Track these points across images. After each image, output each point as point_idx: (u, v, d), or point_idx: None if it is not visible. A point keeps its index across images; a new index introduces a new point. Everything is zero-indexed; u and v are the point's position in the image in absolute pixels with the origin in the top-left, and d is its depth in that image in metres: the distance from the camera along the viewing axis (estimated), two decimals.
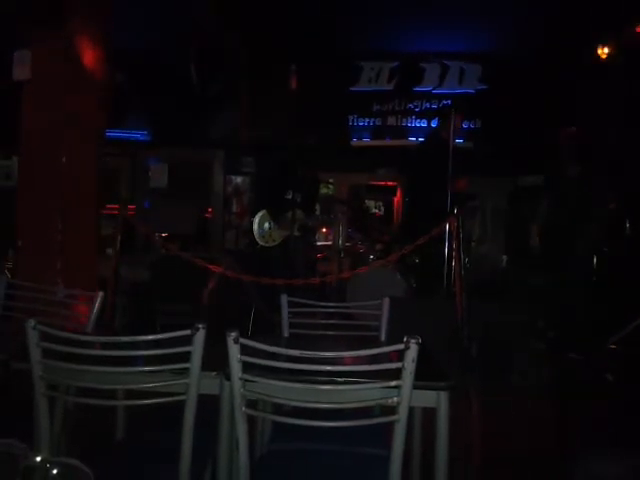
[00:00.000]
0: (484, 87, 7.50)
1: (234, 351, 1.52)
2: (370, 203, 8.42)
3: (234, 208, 7.82)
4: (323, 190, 4.93)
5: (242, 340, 1.51)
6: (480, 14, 6.16)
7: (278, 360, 1.54)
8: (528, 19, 6.12)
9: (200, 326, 1.60)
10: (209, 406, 1.74)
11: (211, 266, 3.78)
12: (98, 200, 3.65)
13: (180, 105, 7.24)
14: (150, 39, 6.54)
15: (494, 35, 6.77)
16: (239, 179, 7.99)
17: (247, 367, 1.55)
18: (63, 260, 3.32)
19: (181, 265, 3.82)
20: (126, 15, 4.56)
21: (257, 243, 4.72)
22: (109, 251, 4.40)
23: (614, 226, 5.60)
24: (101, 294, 2.38)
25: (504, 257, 7.02)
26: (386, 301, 2.56)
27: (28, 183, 3.53)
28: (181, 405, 1.68)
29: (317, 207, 5.38)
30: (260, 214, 4.78)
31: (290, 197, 4.84)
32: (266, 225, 4.75)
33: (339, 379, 1.54)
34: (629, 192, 5.73)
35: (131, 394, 1.77)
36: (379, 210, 8.09)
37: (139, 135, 7.57)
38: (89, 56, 3.60)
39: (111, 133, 5.85)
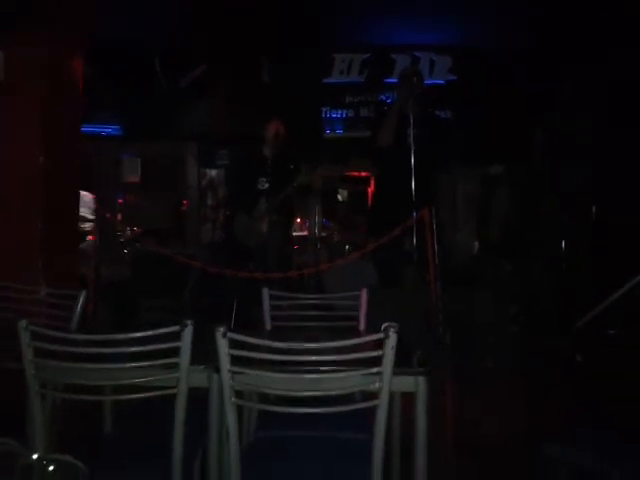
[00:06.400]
0: (454, 78, 7.63)
1: (223, 345, 1.58)
2: (343, 193, 8.52)
3: (209, 201, 7.82)
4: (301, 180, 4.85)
5: (230, 334, 1.58)
6: (450, 6, 6.26)
7: (262, 352, 1.61)
8: (498, 11, 6.24)
9: (188, 322, 1.66)
10: (191, 398, 1.80)
11: (191, 261, 3.82)
12: (77, 197, 3.64)
13: (152, 98, 7.19)
14: (120, 31, 6.46)
15: (464, 27, 6.88)
16: (214, 172, 7.99)
17: (235, 359, 1.61)
18: (44, 259, 3.32)
19: (161, 261, 3.84)
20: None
21: (246, 243, 4.70)
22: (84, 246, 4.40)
23: (582, 212, 5.80)
24: (84, 292, 2.40)
25: (476, 244, 7.21)
26: (364, 292, 2.66)
27: (7, 183, 3.50)
28: (168, 398, 1.74)
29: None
30: (237, 219, 4.78)
31: (264, 187, 4.84)
32: (245, 222, 4.74)
33: (323, 368, 1.62)
34: (597, 180, 5.94)
35: (120, 389, 1.81)
36: (349, 199, 8.21)
37: (111, 129, 7.49)
38: (67, 54, 3.57)
39: (82, 128, 5.78)
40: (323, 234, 7.47)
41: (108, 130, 7.45)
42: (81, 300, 2.39)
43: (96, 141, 6.99)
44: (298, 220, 7.44)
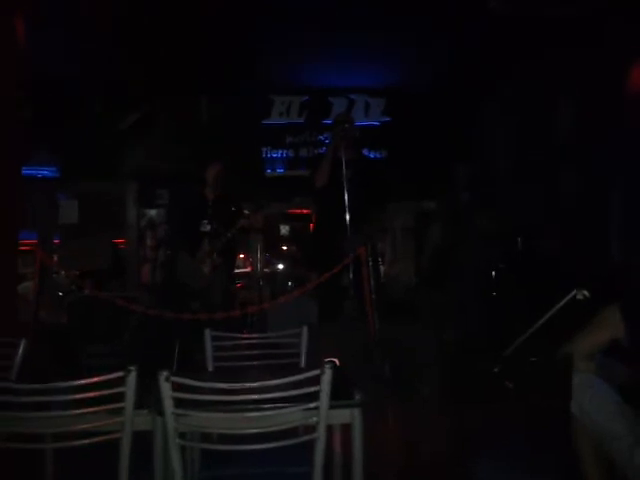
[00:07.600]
0: (387, 119, 8.03)
1: (166, 389, 1.65)
2: (286, 229, 8.67)
3: (149, 241, 7.75)
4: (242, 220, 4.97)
5: (173, 378, 1.65)
6: (383, 52, 6.66)
7: (205, 393, 1.69)
8: (429, 56, 6.68)
9: (132, 368, 1.72)
10: (134, 440, 1.83)
11: (131, 304, 3.81)
12: (17, 240, 3.56)
13: (90, 138, 7.14)
14: (58, 69, 6.43)
15: (396, 71, 7.31)
16: (153, 212, 7.95)
17: (178, 402, 1.68)
18: None
19: (100, 305, 3.81)
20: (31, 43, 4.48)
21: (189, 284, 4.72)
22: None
23: (509, 244, 6.16)
24: (24, 341, 2.39)
25: (414, 277, 7.47)
26: (305, 329, 2.76)
27: None
28: (112, 443, 1.78)
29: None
30: (179, 260, 4.81)
31: (206, 229, 4.91)
32: (188, 263, 4.77)
33: (265, 406, 1.71)
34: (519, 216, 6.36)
35: (62, 436, 1.83)
36: (291, 235, 8.35)
37: (47, 172, 7.36)
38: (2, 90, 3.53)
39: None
40: (266, 270, 7.55)
41: (44, 172, 7.31)
42: (21, 348, 2.37)
43: (33, 182, 6.86)
44: (241, 256, 7.50)
